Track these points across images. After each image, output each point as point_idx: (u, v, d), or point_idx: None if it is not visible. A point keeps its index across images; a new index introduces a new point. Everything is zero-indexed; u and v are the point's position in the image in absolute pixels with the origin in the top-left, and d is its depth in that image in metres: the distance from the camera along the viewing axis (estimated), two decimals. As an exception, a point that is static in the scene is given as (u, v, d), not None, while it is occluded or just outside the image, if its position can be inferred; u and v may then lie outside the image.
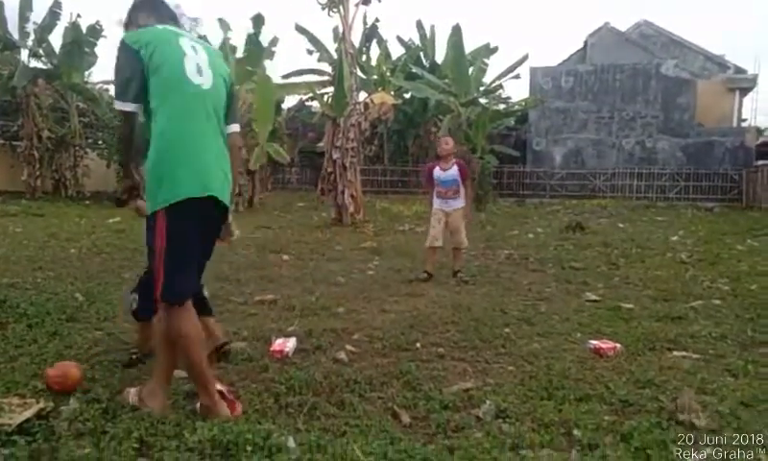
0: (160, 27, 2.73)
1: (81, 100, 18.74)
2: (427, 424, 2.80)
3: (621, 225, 13.53)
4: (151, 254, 2.76)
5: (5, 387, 2.96)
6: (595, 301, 5.71)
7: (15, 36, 17.15)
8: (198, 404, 2.79)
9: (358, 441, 2.46)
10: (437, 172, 6.99)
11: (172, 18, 2.87)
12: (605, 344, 4.04)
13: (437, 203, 7.06)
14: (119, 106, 2.59)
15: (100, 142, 19.92)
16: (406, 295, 5.98)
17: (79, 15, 21.17)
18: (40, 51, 17.60)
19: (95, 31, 17.69)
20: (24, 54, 17.41)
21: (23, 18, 16.90)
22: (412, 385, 3.28)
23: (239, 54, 16.96)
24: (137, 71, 2.55)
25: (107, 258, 7.72)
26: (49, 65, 17.86)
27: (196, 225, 2.64)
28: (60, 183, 18.06)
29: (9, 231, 10.05)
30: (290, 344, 3.92)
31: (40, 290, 5.39)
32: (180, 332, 2.64)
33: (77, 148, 18.64)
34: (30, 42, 17.24)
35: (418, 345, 4.12)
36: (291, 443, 2.39)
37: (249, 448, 2.32)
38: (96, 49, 18.37)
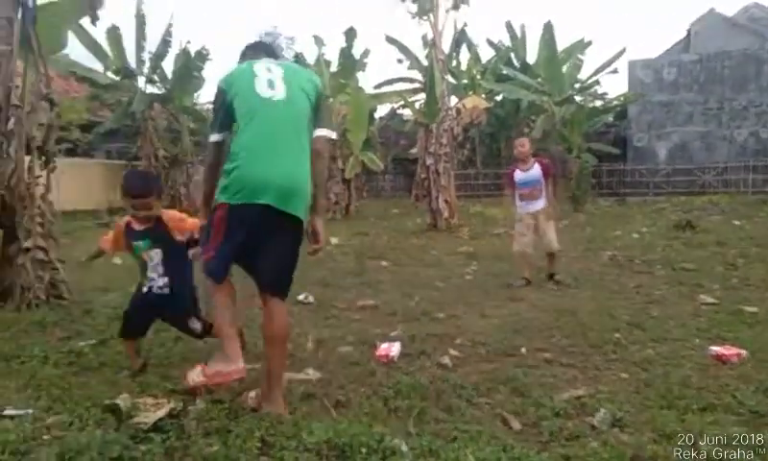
0: (243, 66, 2.95)
1: (191, 121, 20.07)
2: (539, 431, 2.75)
3: (737, 222, 12.55)
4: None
5: (140, 388, 3.23)
6: (713, 304, 5.35)
7: (133, 64, 18.66)
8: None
9: (470, 446, 2.46)
10: (518, 175, 6.87)
11: (267, 53, 3.12)
12: (728, 350, 3.78)
13: (522, 206, 6.88)
14: (210, 138, 2.99)
15: (209, 159, 21.18)
16: (506, 299, 5.89)
17: (188, 42, 22.68)
18: (155, 77, 19.03)
19: (202, 55, 18.88)
20: (141, 81, 18.88)
21: (139, 47, 18.34)
22: (520, 391, 3.24)
23: (333, 68, 17.46)
24: (223, 104, 2.86)
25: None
26: (163, 90, 19.27)
27: (243, 228, 2.78)
28: (176, 198, 19.37)
29: (131, 245, 10.91)
30: (395, 348, 3.98)
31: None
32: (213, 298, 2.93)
33: (189, 165, 19.97)
34: (146, 70, 18.67)
35: (523, 350, 4.06)
36: (403, 447, 2.44)
37: (363, 451, 2.39)
38: (203, 72, 19.62)
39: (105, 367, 3.68)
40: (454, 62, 23.49)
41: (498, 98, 22.74)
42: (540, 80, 20.26)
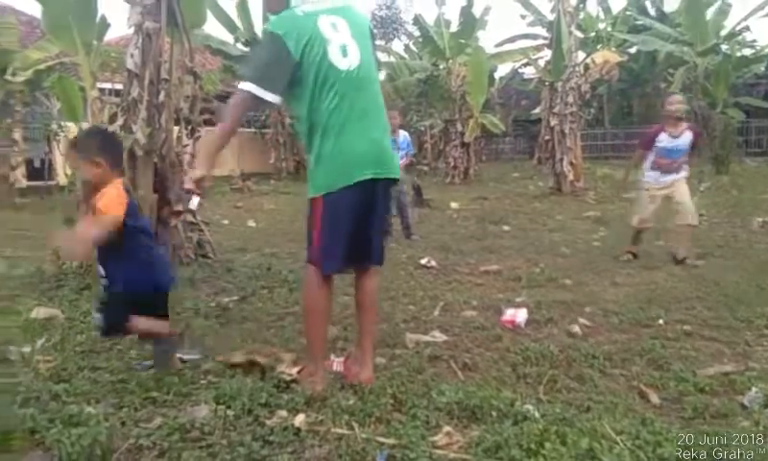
0: (299, 12, 2.61)
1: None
2: (681, 406, 2.61)
3: None
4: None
5: (280, 343, 3.47)
6: None
7: (259, 35, 19.55)
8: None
9: (605, 418, 2.39)
10: (664, 139, 5.73)
11: None
12: None
13: (651, 176, 5.84)
14: (256, 91, 2.52)
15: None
16: (640, 267, 5.58)
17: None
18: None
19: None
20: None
21: (265, 18, 19.09)
22: (658, 364, 3.09)
23: (453, 28, 17.14)
24: (282, 60, 2.51)
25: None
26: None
27: (350, 209, 2.61)
28: (300, 165, 20.24)
29: (264, 208, 11.64)
30: (521, 315, 3.93)
31: (296, 259, 6.16)
32: (309, 298, 2.75)
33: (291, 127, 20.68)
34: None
35: (660, 321, 3.84)
36: (535, 413, 2.42)
37: (494, 414, 2.41)
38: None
39: (247, 321, 3.99)
40: (581, 15, 22.08)
41: (632, 50, 21.11)
42: (679, 29, 18.51)
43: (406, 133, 7.91)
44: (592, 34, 21.80)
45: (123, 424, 2.32)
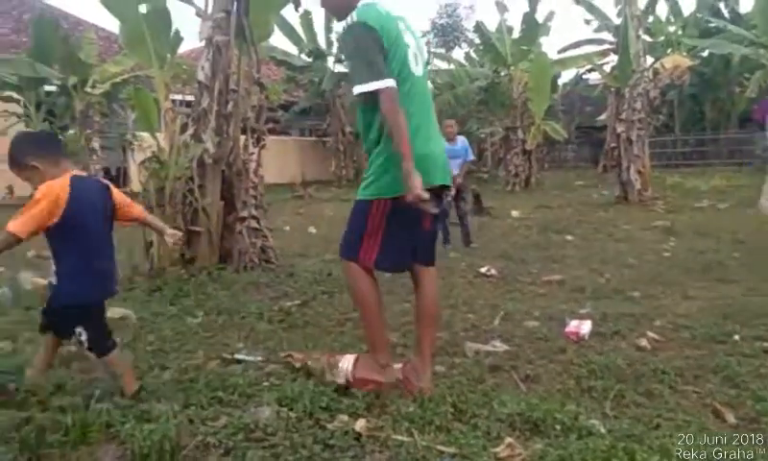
0: (383, 11, 2.62)
1: (371, 96, 20.98)
2: (758, 427, 2.47)
3: None
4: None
5: (340, 347, 3.51)
6: None
7: (323, 45, 19.93)
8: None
9: (676, 436, 2.29)
10: None
11: None
12: None
13: None
14: (376, 86, 2.48)
15: (390, 132, 22.05)
16: (714, 280, 5.32)
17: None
18: (342, 57, 20.20)
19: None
20: (330, 60, 20.12)
21: (328, 29, 19.53)
22: (734, 382, 2.92)
23: (515, 34, 16.94)
24: (382, 49, 2.52)
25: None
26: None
27: (418, 212, 2.59)
28: (360, 172, 20.50)
29: (324, 215, 11.81)
30: (585, 326, 3.82)
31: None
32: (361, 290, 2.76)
33: (369, 139, 20.96)
34: (334, 50, 19.85)
35: (736, 337, 3.64)
36: (601, 428, 2.35)
37: (558, 428, 2.35)
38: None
39: (309, 325, 4.06)
40: (650, 18, 21.36)
41: (704, 54, 20.22)
42: (755, 31, 17.58)
43: (464, 139, 7.86)
44: (661, 38, 21.03)
45: (191, 421, 2.40)
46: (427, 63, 2.82)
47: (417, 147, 2.52)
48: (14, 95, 13.33)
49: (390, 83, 2.48)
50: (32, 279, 4.92)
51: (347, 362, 2.83)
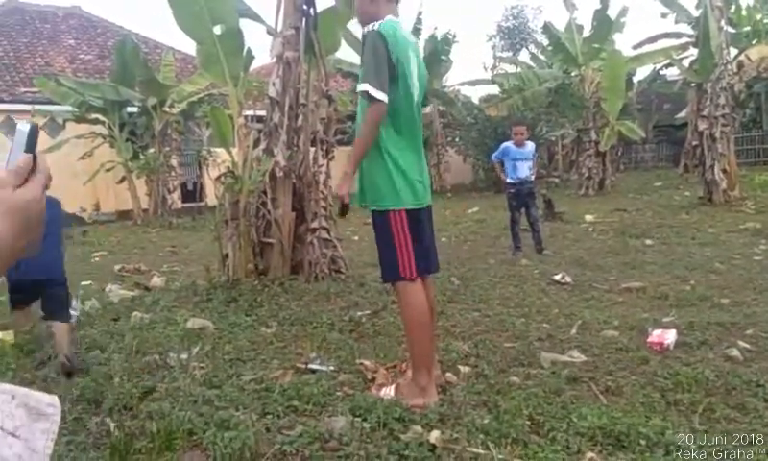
0: (401, 33, 2.82)
1: (440, 103, 20.89)
2: None
3: None
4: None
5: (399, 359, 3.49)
6: None
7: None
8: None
9: (775, 454, 2.13)
10: None
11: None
12: None
13: None
14: (374, 93, 2.67)
15: (457, 140, 21.92)
16: (813, 286, 4.93)
17: (435, 28, 23.62)
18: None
19: (448, 39, 19.47)
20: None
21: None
22: (841, 397, 2.69)
23: (585, 33, 16.45)
24: (389, 59, 2.72)
25: (472, 245, 8.43)
26: (416, 75, 20.51)
27: (429, 221, 3.00)
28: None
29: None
30: (670, 336, 3.63)
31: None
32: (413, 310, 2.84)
33: (438, 147, 20.86)
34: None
35: (840, 348, 3.36)
36: (690, 443, 2.21)
37: (642, 442, 2.24)
38: (450, 55, 20.20)
39: (379, 336, 4.07)
40: (732, 8, 20.18)
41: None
42: None
43: (533, 144, 7.74)
44: (746, 28, 19.81)
45: (267, 430, 2.46)
46: (425, 98, 3.04)
47: (414, 173, 2.86)
48: (100, 117, 14.30)
49: (384, 98, 2.68)
50: (119, 291, 5.21)
51: (388, 392, 2.86)
